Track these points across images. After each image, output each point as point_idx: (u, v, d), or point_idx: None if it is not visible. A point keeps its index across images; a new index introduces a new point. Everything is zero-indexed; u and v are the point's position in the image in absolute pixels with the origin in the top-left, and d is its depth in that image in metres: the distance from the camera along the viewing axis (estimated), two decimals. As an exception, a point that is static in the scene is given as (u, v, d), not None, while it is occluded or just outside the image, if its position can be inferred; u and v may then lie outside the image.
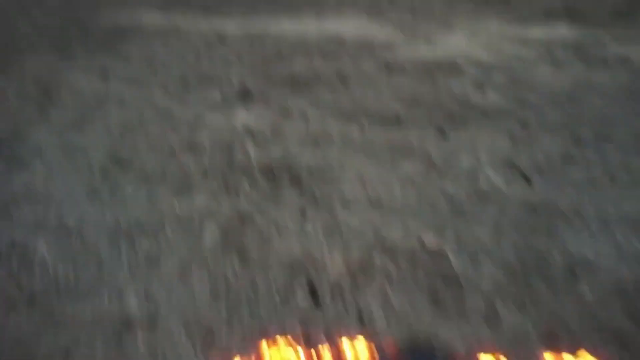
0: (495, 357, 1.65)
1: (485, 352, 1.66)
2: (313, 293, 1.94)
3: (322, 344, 1.65)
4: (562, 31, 7.15)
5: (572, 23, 8.03)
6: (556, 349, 1.66)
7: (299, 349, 1.64)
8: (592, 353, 1.64)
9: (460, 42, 6.10)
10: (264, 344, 1.65)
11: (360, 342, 1.67)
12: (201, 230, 2.22)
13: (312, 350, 1.64)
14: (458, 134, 3.42)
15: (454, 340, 1.70)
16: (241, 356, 1.60)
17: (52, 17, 6.92)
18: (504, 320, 1.82)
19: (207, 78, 4.29)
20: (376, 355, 1.62)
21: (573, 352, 1.65)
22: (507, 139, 3.36)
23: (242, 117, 3.38)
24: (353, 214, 2.38)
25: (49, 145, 2.97)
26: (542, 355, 1.65)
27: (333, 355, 1.63)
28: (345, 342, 1.67)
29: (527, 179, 2.81)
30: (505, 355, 1.64)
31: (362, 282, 2.00)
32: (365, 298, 1.94)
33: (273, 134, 3.15)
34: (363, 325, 1.79)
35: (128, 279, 1.94)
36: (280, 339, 1.67)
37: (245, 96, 3.91)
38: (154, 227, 2.21)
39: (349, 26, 6.77)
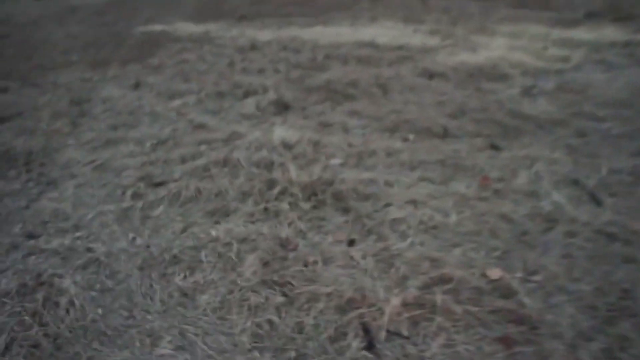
0: None
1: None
2: (367, 335, 1.70)
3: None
4: (609, 32, 6.74)
5: (619, 23, 7.62)
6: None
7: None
8: None
9: (501, 46, 5.77)
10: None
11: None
12: (240, 259, 2.00)
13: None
14: (512, 147, 3.12)
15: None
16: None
17: (86, 28, 6.87)
18: (593, 374, 1.55)
19: (241, 88, 4.10)
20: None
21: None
22: (566, 152, 3.05)
23: (280, 131, 3.15)
24: (406, 242, 2.13)
25: (80, 163, 2.81)
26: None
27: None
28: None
29: (596, 200, 2.51)
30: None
31: (422, 322, 1.75)
32: (425, 341, 1.69)
33: (313, 149, 2.91)
34: (425, 376, 1.55)
35: (161, 318, 1.73)
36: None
37: (282, 107, 3.69)
38: (188, 256, 2.00)
39: (385, 32, 6.51)
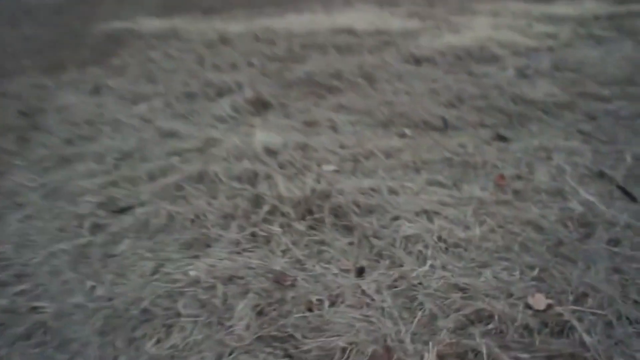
0: None
1: None
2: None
3: None
4: (589, 5, 6.39)
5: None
6: None
7: None
8: None
9: (485, 25, 5.38)
10: None
11: None
12: (227, 308, 1.57)
13: None
14: (520, 137, 2.74)
15: None
16: None
17: (42, 29, 6.26)
18: None
19: (214, 87, 3.63)
20: None
21: None
22: (581, 140, 2.68)
23: (261, 134, 2.71)
24: (425, 266, 1.72)
25: (27, 188, 2.32)
26: None
27: None
28: None
29: (630, 195, 2.14)
30: None
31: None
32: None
33: (302, 155, 2.48)
34: None
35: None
36: None
37: (260, 106, 3.25)
38: (162, 310, 1.56)
39: (361, 17, 6.06)
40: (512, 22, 5.48)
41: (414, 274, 1.68)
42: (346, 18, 5.96)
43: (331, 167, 2.35)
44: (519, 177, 2.30)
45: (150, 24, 6.32)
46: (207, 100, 3.38)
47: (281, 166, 2.38)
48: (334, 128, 2.88)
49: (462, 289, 1.62)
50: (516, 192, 2.18)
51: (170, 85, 3.74)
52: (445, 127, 2.88)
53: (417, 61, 4.15)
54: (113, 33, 5.80)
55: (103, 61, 4.61)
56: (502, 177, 2.31)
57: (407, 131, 2.83)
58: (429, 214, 2.01)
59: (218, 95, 3.43)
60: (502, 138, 2.76)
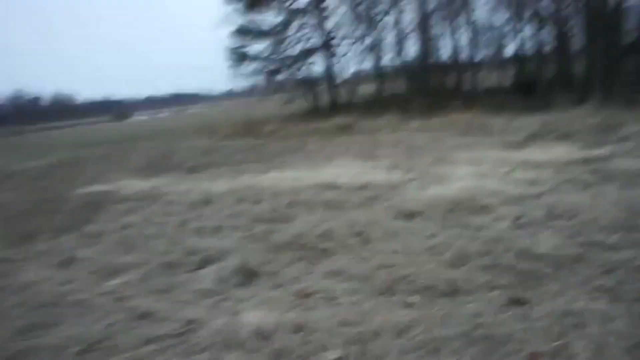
0: None
1: None
2: None
3: None
4: (559, 151, 6.53)
5: (561, 142, 7.55)
6: None
7: None
8: None
9: (467, 175, 5.34)
10: None
11: None
12: None
13: None
14: (540, 299, 2.42)
15: None
16: None
17: (19, 194, 6.05)
18: None
19: (196, 254, 3.31)
20: None
21: None
22: (607, 299, 2.38)
23: (250, 313, 2.33)
24: None
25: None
26: None
27: None
28: None
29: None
30: None
31: None
32: None
33: (299, 339, 2.10)
34: None
35: None
36: None
37: (247, 275, 2.91)
38: None
39: (343, 172, 6.02)
40: (493, 170, 5.48)
41: None
42: (329, 173, 5.92)
43: (334, 355, 1.96)
44: (554, 357, 1.93)
45: (132, 185, 6.18)
46: (188, 271, 3.04)
47: (275, 355, 1.98)
48: (332, 300, 2.52)
49: None
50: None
51: (148, 254, 3.41)
52: (454, 291, 2.55)
53: (408, 216, 3.95)
54: (92, 197, 5.60)
55: (78, 228, 4.31)
56: (535, 355, 1.94)
57: (414, 299, 2.50)
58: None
59: (201, 265, 3.10)
60: (519, 301, 2.43)
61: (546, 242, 3.14)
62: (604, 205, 3.92)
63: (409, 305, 2.44)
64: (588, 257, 2.91)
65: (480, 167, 5.70)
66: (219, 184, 5.69)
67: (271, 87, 18.77)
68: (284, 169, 6.62)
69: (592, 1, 12.03)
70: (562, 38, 13.33)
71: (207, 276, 2.84)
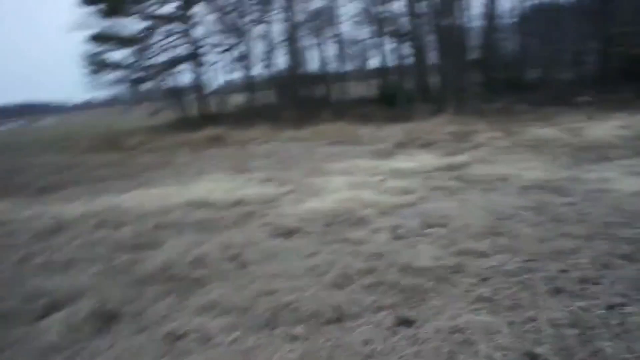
0: None
1: None
2: None
3: None
4: (425, 159, 6.79)
5: (424, 149, 7.91)
6: None
7: None
8: None
9: (342, 186, 5.27)
10: None
11: None
12: None
13: None
14: (425, 316, 2.34)
15: None
16: None
17: None
18: None
19: (41, 298, 2.74)
20: None
21: None
22: (490, 311, 2.35)
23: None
24: None
25: None
26: None
27: None
28: None
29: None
30: None
31: None
32: None
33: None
34: None
35: None
36: None
37: (106, 319, 2.45)
38: None
39: (216, 187, 5.64)
40: (366, 180, 5.49)
41: None
42: (201, 189, 5.50)
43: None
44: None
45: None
46: (28, 323, 2.48)
47: None
48: (207, 340, 2.19)
49: None
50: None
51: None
52: (340, 316, 2.37)
53: (287, 233, 3.73)
54: None
55: None
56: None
57: (298, 330, 2.26)
58: None
59: (45, 313, 2.55)
60: (407, 322, 2.32)
61: (425, 253, 3.11)
62: (471, 211, 4.06)
63: (293, 339, 2.20)
64: (465, 266, 2.92)
65: (354, 177, 5.69)
66: (73, 207, 4.97)
67: (136, 97, 17.59)
68: (151, 186, 6.05)
69: (441, 21, 12.98)
70: (419, 53, 14.22)
71: (53, 326, 2.33)
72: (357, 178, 5.64)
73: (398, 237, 3.53)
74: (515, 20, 15.17)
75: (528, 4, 14.76)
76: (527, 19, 15.00)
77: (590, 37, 12.51)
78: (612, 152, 5.93)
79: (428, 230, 3.63)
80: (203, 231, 3.89)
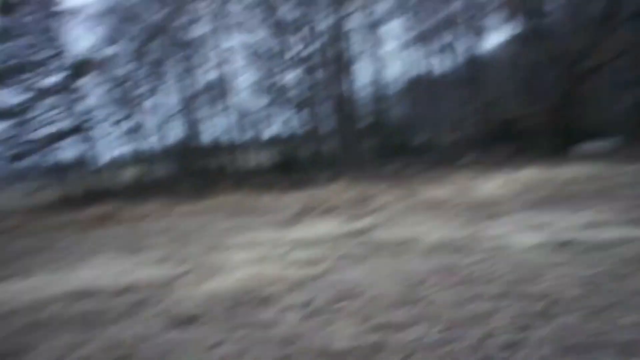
0: None
1: None
2: None
3: None
4: (325, 227, 6.62)
5: (325, 217, 7.81)
6: None
7: None
8: None
9: (244, 261, 4.87)
10: None
11: None
12: None
13: None
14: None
15: None
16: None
17: None
18: None
19: None
20: None
21: None
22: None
23: None
24: None
25: None
26: None
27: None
28: None
29: None
30: None
31: None
32: None
33: None
34: None
35: None
36: None
37: None
38: None
39: (102, 272, 4.98)
40: (270, 253, 5.19)
41: None
42: (85, 276, 4.83)
43: None
44: None
45: None
46: None
47: None
48: None
49: None
50: None
51: None
52: None
53: (185, 322, 3.28)
54: None
55: None
56: None
57: None
58: None
59: None
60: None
61: (342, 332, 2.85)
62: (382, 279, 3.90)
63: None
64: (385, 343, 2.69)
65: (257, 251, 5.35)
66: None
67: (13, 175, 16.00)
68: (25, 276, 5.23)
69: (335, 90, 13.54)
70: (315, 121, 14.59)
71: None
72: (259, 252, 5.31)
73: (310, 316, 3.24)
74: (400, 88, 16.26)
75: (408, 75, 15.91)
76: (410, 88, 16.15)
77: (467, 103, 13.67)
78: (503, 208, 6.22)
79: (341, 304, 3.39)
80: (86, 328, 3.31)
